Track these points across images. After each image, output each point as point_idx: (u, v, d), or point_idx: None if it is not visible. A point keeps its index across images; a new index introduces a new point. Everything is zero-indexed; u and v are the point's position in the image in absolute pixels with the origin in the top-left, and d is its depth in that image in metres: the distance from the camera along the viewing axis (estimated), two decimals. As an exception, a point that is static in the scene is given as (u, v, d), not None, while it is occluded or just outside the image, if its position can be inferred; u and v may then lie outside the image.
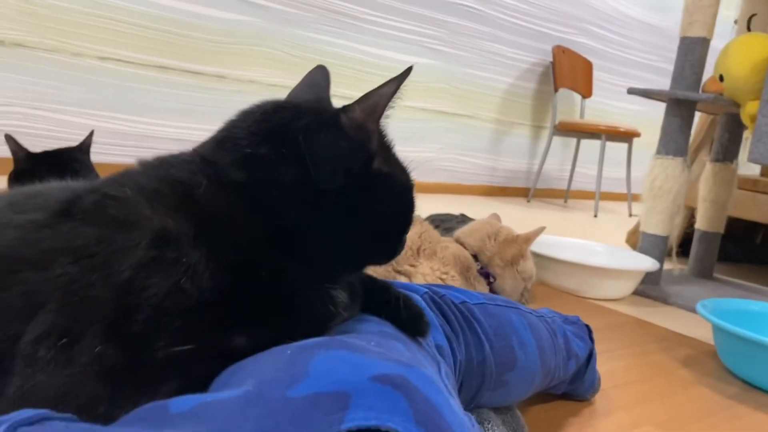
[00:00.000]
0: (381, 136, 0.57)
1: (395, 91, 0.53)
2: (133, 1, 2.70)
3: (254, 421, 0.37)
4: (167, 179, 0.51)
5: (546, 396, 1.04)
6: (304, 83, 0.65)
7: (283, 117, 0.55)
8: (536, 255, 1.78)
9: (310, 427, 0.36)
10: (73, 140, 1.50)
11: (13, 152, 1.35)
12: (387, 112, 0.55)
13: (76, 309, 0.44)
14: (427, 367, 0.53)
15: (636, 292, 1.96)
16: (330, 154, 0.52)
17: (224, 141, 0.54)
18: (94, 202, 0.49)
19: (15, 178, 1.35)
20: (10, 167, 1.38)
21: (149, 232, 0.46)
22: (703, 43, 1.91)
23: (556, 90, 4.23)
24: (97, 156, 1.49)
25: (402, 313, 0.62)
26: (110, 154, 2.69)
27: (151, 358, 0.44)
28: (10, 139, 1.35)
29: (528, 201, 4.33)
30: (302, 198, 0.52)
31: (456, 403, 0.48)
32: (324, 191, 0.52)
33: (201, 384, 0.45)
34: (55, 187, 0.57)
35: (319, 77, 0.65)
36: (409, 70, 0.54)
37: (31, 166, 1.34)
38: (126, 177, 0.52)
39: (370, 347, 0.46)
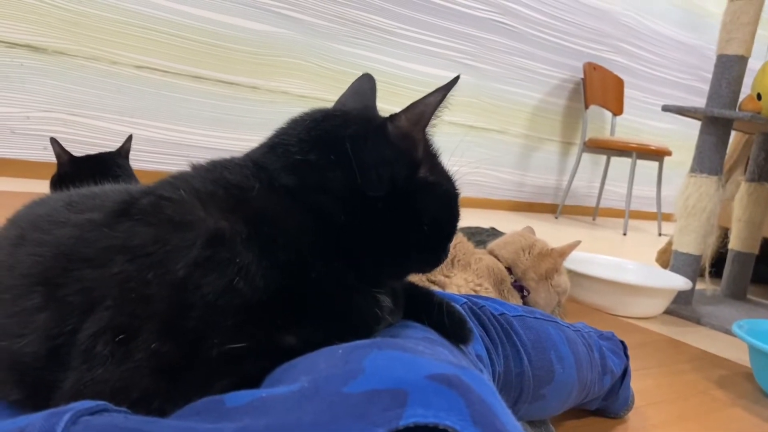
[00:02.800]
0: (427, 145, 0.58)
1: (441, 101, 0.54)
2: (169, 11, 2.76)
3: (312, 414, 0.37)
4: (221, 182, 0.52)
5: (579, 411, 1.03)
6: (351, 92, 0.66)
7: (332, 124, 0.56)
8: (567, 271, 1.77)
9: (368, 421, 0.36)
10: (109, 146, 1.53)
11: (57, 155, 1.38)
12: (433, 121, 0.56)
13: (133, 306, 0.45)
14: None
15: (667, 311, 1.94)
16: (376, 161, 0.53)
17: (275, 147, 0.55)
18: (151, 203, 0.50)
19: (57, 182, 1.37)
20: (53, 171, 1.40)
21: (204, 233, 0.47)
22: (741, 61, 1.89)
23: (586, 107, 4.21)
24: (131, 162, 1.52)
25: (445, 319, 0.63)
26: (144, 161, 2.74)
27: (205, 355, 0.45)
28: (54, 143, 1.38)
29: (556, 217, 4.30)
30: (350, 204, 0.53)
31: None
32: (371, 198, 0.53)
33: (253, 381, 0.46)
34: (112, 189, 0.58)
35: (366, 86, 0.66)
36: (455, 79, 0.55)
37: (73, 169, 1.36)
38: (180, 179, 0.53)
39: (420, 349, 0.47)
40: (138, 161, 2.50)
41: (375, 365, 0.41)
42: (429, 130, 0.57)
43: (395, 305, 0.59)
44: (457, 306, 0.70)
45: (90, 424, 0.38)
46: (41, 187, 1.37)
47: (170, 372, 0.44)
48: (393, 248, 0.55)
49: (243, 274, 0.46)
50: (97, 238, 0.49)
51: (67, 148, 1.40)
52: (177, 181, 0.53)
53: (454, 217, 0.60)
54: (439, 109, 0.54)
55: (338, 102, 0.65)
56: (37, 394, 0.47)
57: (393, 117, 0.54)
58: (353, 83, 0.67)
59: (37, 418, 0.38)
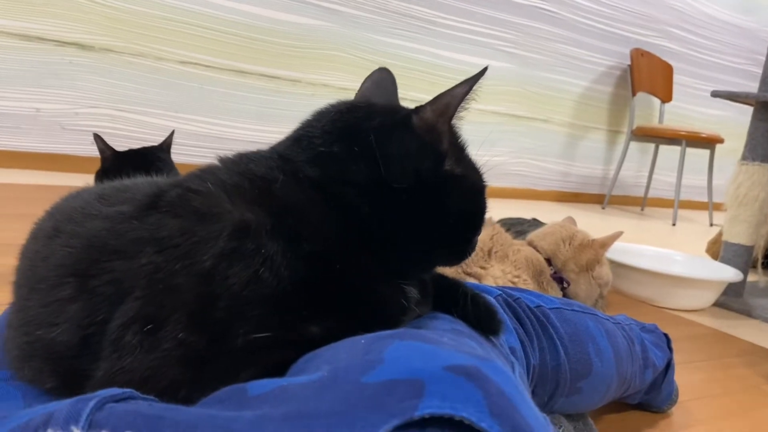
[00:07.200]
0: (454, 137, 0.57)
1: (467, 92, 0.53)
2: (212, 7, 2.79)
3: (329, 404, 0.37)
4: (246, 174, 0.52)
5: (621, 405, 1.01)
6: (372, 85, 0.66)
7: (357, 116, 0.56)
8: (612, 262, 1.73)
9: (383, 411, 0.36)
10: (154, 140, 1.56)
11: (101, 151, 1.42)
12: (460, 113, 0.55)
13: (161, 296, 0.46)
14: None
15: (717, 304, 1.88)
16: (400, 153, 0.53)
17: (300, 139, 0.56)
18: (178, 196, 0.51)
19: (101, 176, 1.41)
20: (98, 165, 1.44)
21: (230, 224, 0.47)
22: (796, 43, 1.81)
23: (633, 94, 4.11)
24: (175, 156, 1.54)
25: (474, 311, 0.62)
26: (188, 154, 2.78)
27: (231, 344, 0.45)
28: (98, 139, 1.41)
29: (603, 208, 4.22)
30: (374, 195, 0.52)
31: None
32: (395, 190, 0.52)
33: (278, 371, 0.46)
34: (142, 182, 0.59)
35: (387, 80, 0.66)
36: (483, 71, 0.54)
37: (116, 164, 1.40)
38: (207, 172, 0.54)
39: (444, 341, 0.46)
40: (182, 155, 2.56)
41: (394, 355, 0.41)
42: (456, 121, 0.56)
43: (423, 296, 0.58)
44: (489, 297, 0.69)
45: (114, 410, 0.38)
46: (89, 181, 1.41)
47: (197, 361, 0.45)
48: (418, 241, 0.54)
49: (268, 264, 0.46)
50: (127, 230, 0.50)
51: (114, 143, 1.44)
52: (204, 173, 0.53)
53: (481, 210, 0.59)
54: (465, 100, 0.54)
55: (359, 94, 0.64)
56: (71, 382, 0.48)
57: (418, 109, 0.54)
58: (372, 76, 0.66)
59: (64, 404, 0.39)
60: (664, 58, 4.32)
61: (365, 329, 0.48)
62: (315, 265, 0.48)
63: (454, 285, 0.65)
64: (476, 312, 0.62)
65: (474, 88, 0.53)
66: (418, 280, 0.58)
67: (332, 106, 0.58)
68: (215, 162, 0.56)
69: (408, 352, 0.42)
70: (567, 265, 1.29)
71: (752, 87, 4.50)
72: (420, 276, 0.59)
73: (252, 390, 0.41)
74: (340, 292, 0.50)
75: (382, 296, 0.53)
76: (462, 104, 0.54)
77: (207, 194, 0.50)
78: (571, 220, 1.44)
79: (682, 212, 4.29)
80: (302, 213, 0.50)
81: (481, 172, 0.59)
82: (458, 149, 0.57)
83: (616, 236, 1.34)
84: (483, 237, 1.22)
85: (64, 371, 0.50)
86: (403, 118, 0.54)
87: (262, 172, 0.52)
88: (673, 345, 1.03)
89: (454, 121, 0.56)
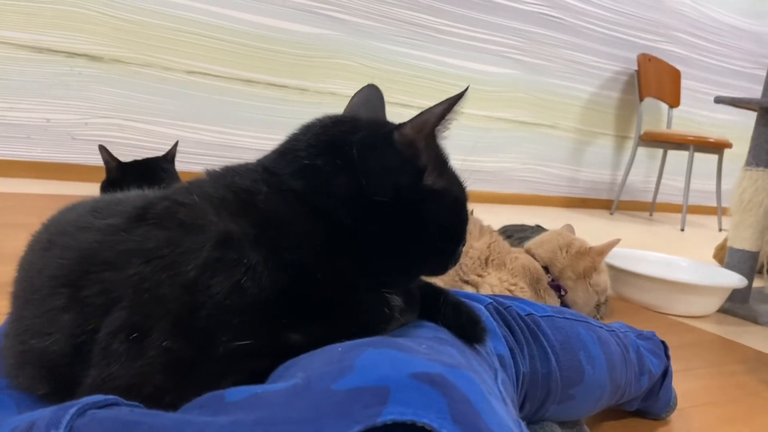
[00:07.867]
0: (436, 152, 0.58)
1: (447, 111, 0.55)
2: (219, 17, 2.82)
3: (299, 411, 0.39)
4: (231, 187, 0.54)
5: (618, 412, 1.01)
6: (360, 100, 0.67)
7: (341, 130, 0.57)
8: (616, 269, 1.73)
9: (349, 418, 0.37)
10: (163, 149, 1.58)
11: (106, 162, 1.44)
12: (443, 131, 0.57)
13: (147, 306, 0.47)
14: (480, 373, 0.53)
15: (722, 310, 1.87)
16: (381, 167, 0.55)
17: (285, 152, 0.57)
18: (165, 208, 0.52)
19: (107, 187, 1.43)
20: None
21: (214, 235, 0.49)
22: (798, 48, 1.81)
23: (641, 99, 4.10)
24: (184, 165, 1.57)
25: (457, 319, 0.63)
26: (196, 163, 2.80)
27: (214, 352, 0.47)
28: (102, 150, 1.44)
29: (611, 213, 4.20)
30: (356, 208, 0.54)
31: (505, 409, 0.48)
32: (376, 202, 0.54)
33: (259, 377, 0.48)
34: (134, 195, 0.61)
35: (375, 97, 0.68)
36: (464, 91, 0.56)
37: (121, 174, 1.42)
38: (194, 185, 0.55)
39: (420, 349, 0.47)
40: (189, 164, 2.59)
41: (365, 363, 0.43)
42: (441, 137, 0.57)
43: (408, 305, 0.59)
44: (475, 305, 0.70)
45: (96, 416, 0.40)
46: (98, 191, 1.43)
47: (181, 369, 0.47)
48: (399, 252, 0.56)
49: (250, 274, 0.48)
50: (117, 242, 0.51)
51: (123, 152, 1.47)
52: (191, 186, 0.55)
53: (461, 222, 0.60)
54: (446, 119, 0.55)
55: (347, 109, 0.66)
56: (63, 389, 0.50)
57: (400, 125, 0.56)
58: (361, 92, 0.68)
59: (47, 411, 0.41)
60: (672, 63, 4.31)
61: (347, 338, 0.49)
62: (297, 274, 0.50)
63: (440, 293, 0.66)
64: (458, 320, 0.63)
65: (455, 108, 0.55)
66: (403, 288, 0.59)
67: (318, 120, 0.60)
68: (203, 174, 0.58)
69: (378, 359, 0.43)
70: (564, 272, 1.29)
71: (760, 91, 4.48)
72: (403, 285, 0.60)
73: (229, 396, 0.43)
74: (321, 301, 0.51)
75: (364, 305, 0.54)
76: (442, 122, 0.55)
77: (193, 206, 0.52)
78: (569, 228, 1.45)
79: (690, 217, 4.27)
80: (285, 224, 0.52)
81: (464, 185, 0.61)
82: (440, 164, 0.59)
83: (613, 244, 1.34)
84: (480, 245, 1.23)
85: (56, 378, 0.51)
86: (385, 133, 0.56)
87: (246, 184, 0.54)
88: (677, 352, 1.04)
89: (438, 137, 0.57)
